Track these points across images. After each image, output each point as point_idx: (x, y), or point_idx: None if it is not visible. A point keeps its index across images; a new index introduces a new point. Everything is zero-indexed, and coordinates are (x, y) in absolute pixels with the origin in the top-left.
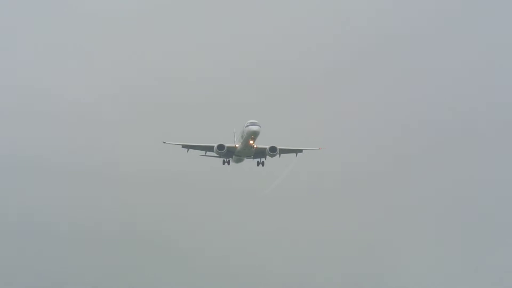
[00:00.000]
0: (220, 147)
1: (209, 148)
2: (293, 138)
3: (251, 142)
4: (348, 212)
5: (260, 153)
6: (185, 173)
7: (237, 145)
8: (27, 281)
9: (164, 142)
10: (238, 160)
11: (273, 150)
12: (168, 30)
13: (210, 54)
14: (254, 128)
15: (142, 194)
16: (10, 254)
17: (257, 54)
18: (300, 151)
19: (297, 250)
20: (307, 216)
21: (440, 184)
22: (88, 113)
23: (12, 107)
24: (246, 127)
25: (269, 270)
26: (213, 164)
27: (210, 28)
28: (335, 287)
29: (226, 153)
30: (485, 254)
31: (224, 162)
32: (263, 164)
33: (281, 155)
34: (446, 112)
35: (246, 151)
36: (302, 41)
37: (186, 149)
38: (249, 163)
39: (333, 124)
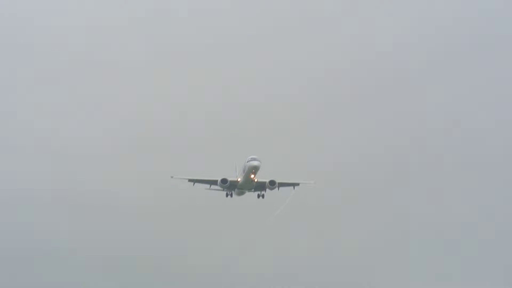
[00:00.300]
0: (224, 181)
1: (213, 182)
2: (291, 172)
3: (252, 176)
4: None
5: (260, 186)
6: (191, 206)
7: (239, 179)
8: None
9: (172, 177)
10: (240, 193)
11: (272, 184)
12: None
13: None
14: (255, 163)
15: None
16: None
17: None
18: (297, 184)
19: None
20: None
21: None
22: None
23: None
24: (247, 162)
25: None
26: (217, 196)
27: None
28: None
29: (229, 187)
30: None
31: (227, 195)
32: (263, 196)
33: (280, 188)
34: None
35: (248, 184)
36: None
37: (192, 183)
38: (250, 195)
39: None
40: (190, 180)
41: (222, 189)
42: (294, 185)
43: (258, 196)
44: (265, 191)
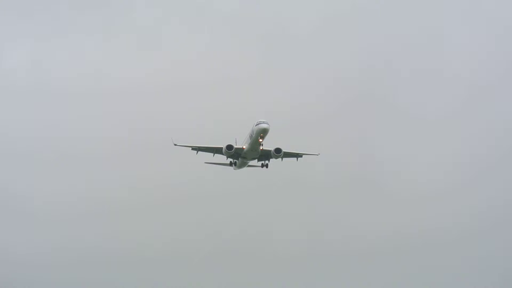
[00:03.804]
0: (229, 147)
1: (218, 150)
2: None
3: (260, 140)
4: None
5: (264, 156)
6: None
7: (244, 147)
8: None
9: (175, 145)
10: (243, 164)
11: (278, 151)
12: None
13: None
14: (264, 126)
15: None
16: None
17: None
18: (301, 155)
19: None
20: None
21: None
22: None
23: None
24: (255, 125)
25: None
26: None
27: None
28: None
29: (233, 155)
30: None
31: (231, 163)
32: (267, 166)
33: (283, 158)
34: None
35: (253, 152)
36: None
37: (196, 151)
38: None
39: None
40: (193, 149)
41: (226, 157)
42: (298, 156)
43: (262, 165)
44: (269, 160)
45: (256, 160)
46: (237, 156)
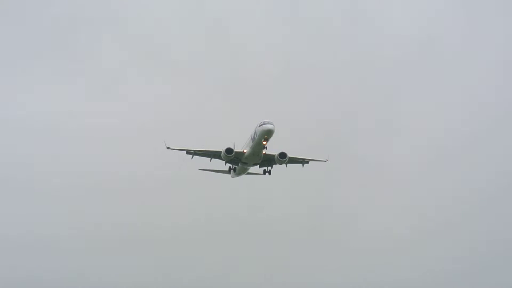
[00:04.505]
0: (229, 150)
1: (215, 154)
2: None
3: (264, 142)
4: None
5: (267, 161)
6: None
7: (245, 151)
8: None
9: (168, 148)
10: (242, 171)
11: (283, 156)
12: None
13: None
14: (269, 126)
15: None
16: None
17: None
18: (307, 162)
19: None
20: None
21: None
22: None
23: None
24: (259, 126)
25: None
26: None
27: None
28: None
29: (232, 160)
30: None
31: (230, 169)
32: (269, 172)
33: (288, 164)
34: None
35: (255, 157)
36: None
37: (191, 156)
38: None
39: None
40: (188, 153)
41: (224, 163)
42: (304, 162)
43: (265, 172)
44: (272, 166)
45: (258, 166)
46: (237, 162)
